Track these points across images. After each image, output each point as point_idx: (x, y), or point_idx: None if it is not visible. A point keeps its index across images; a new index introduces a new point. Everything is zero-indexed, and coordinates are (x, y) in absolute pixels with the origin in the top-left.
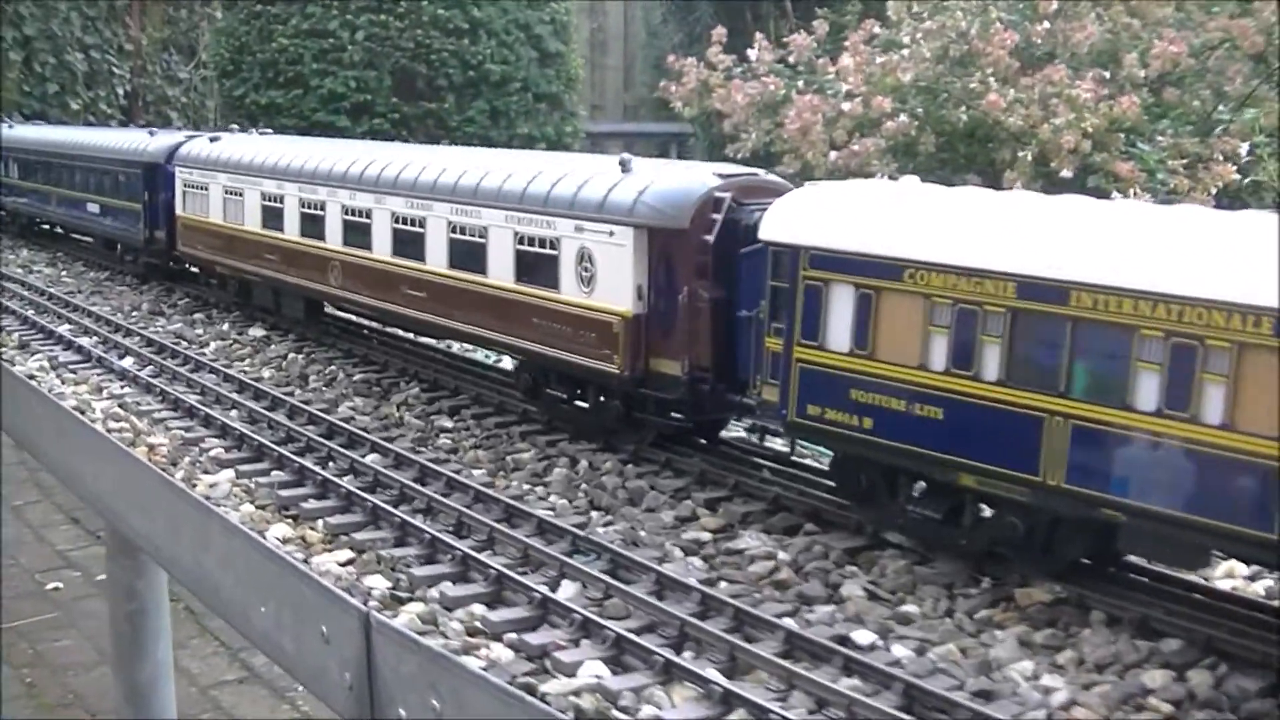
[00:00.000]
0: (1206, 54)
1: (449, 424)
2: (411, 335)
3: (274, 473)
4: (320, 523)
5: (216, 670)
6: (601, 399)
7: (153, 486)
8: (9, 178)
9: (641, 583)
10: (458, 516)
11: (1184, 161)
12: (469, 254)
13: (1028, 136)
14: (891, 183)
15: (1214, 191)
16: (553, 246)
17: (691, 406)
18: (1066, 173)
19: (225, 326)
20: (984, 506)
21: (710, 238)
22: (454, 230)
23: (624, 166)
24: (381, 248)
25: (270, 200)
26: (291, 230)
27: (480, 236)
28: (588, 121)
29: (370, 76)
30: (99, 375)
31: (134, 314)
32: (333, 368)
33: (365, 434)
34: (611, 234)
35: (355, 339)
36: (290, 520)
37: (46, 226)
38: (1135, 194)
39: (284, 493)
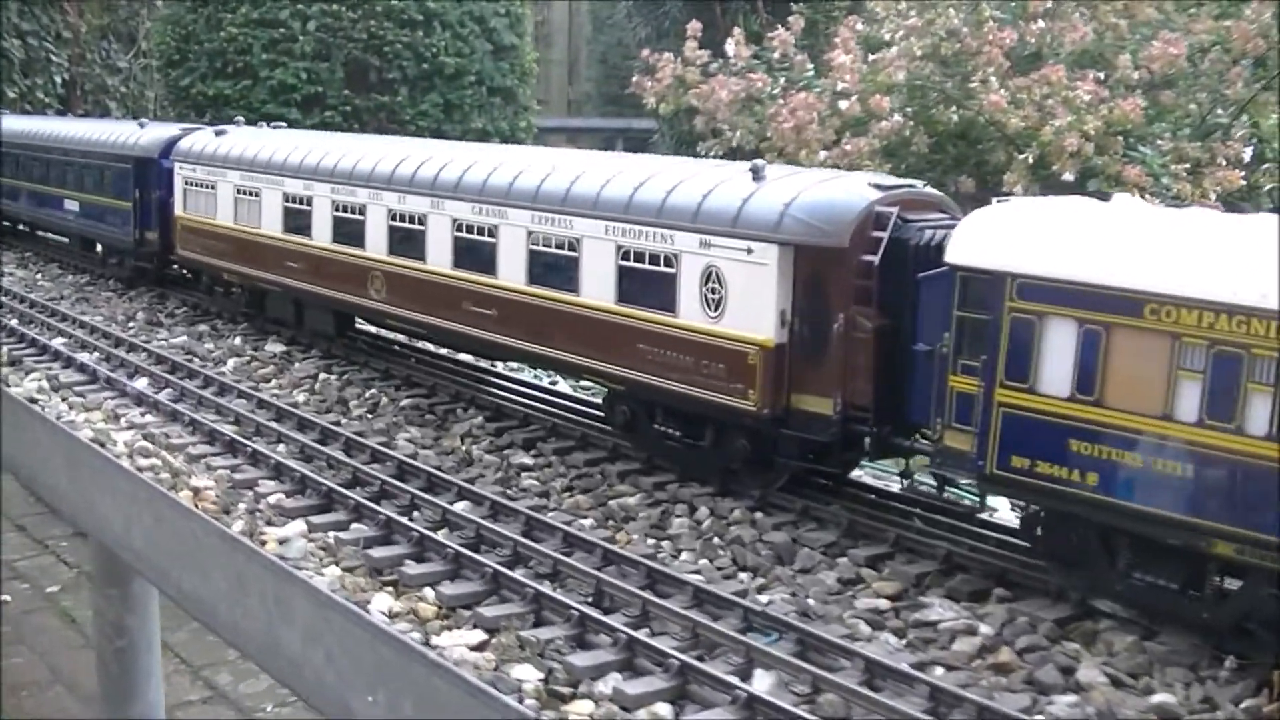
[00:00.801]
0: (1199, 56)
1: (527, 460)
2: (458, 354)
3: (354, 525)
4: (430, 592)
5: (179, 690)
6: (724, 437)
7: (209, 542)
8: None
9: (847, 670)
10: (595, 584)
11: (1185, 166)
12: (555, 269)
13: (1027, 138)
14: (1099, 200)
15: (1213, 196)
16: (668, 263)
17: (842, 449)
18: (1069, 176)
19: (237, 340)
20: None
21: (874, 259)
22: (536, 241)
23: (756, 174)
24: (439, 258)
25: (294, 202)
26: (321, 236)
27: (571, 249)
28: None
29: (322, 68)
30: (111, 399)
31: (130, 325)
32: (373, 391)
33: (441, 474)
34: (750, 251)
35: (390, 357)
36: (391, 589)
37: (9, 224)
38: (1145, 198)
39: (374, 552)
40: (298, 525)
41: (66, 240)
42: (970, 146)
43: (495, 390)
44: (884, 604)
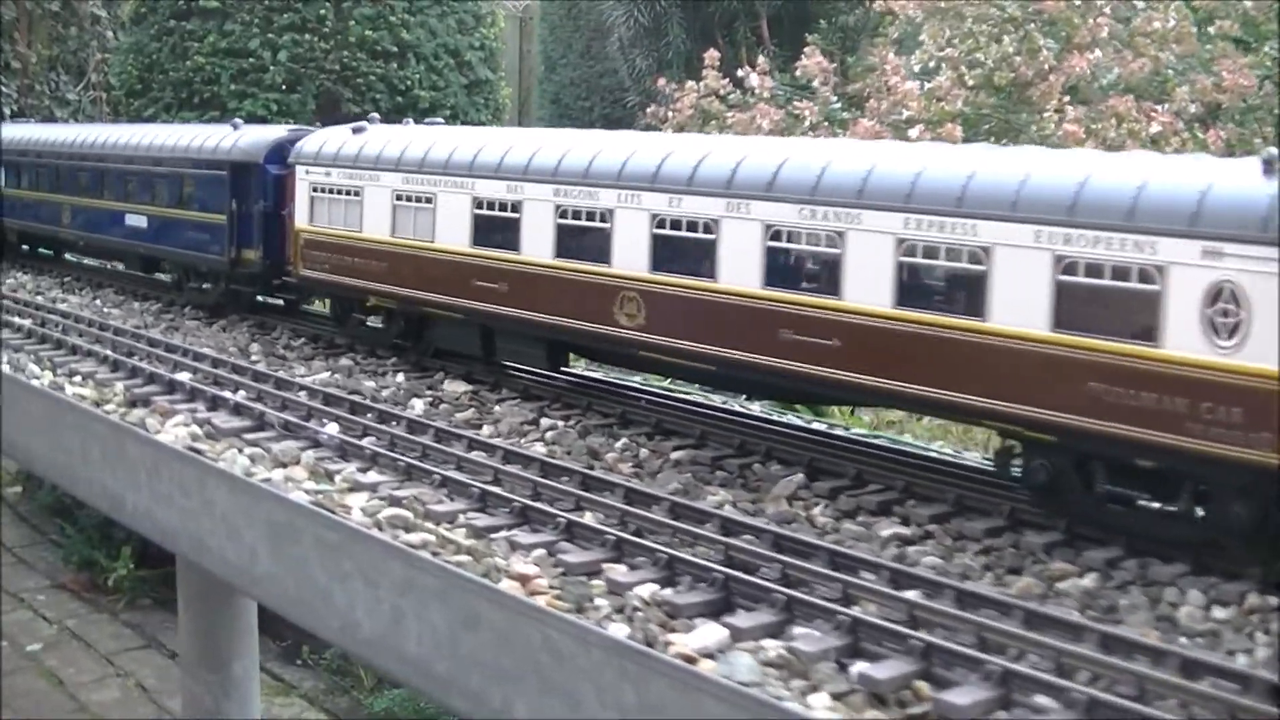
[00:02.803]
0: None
1: (903, 530)
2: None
3: (798, 631)
4: None
5: None
6: (1217, 499)
7: (618, 663)
8: None
9: None
10: None
11: None
12: (945, 287)
13: None
14: None
15: None
16: (1144, 279)
17: None
18: None
19: (400, 377)
20: None
21: None
22: (911, 252)
23: (1269, 165)
24: (740, 275)
25: (490, 209)
26: (536, 249)
27: (974, 262)
28: None
29: (293, 99)
30: (303, 449)
31: (253, 357)
32: (624, 441)
33: (847, 551)
34: None
35: (609, 397)
36: None
37: (27, 246)
38: None
39: (877, 672)
40: (714, 632)
41: (120, 264)
42: None
43: (786, 439)
44: None
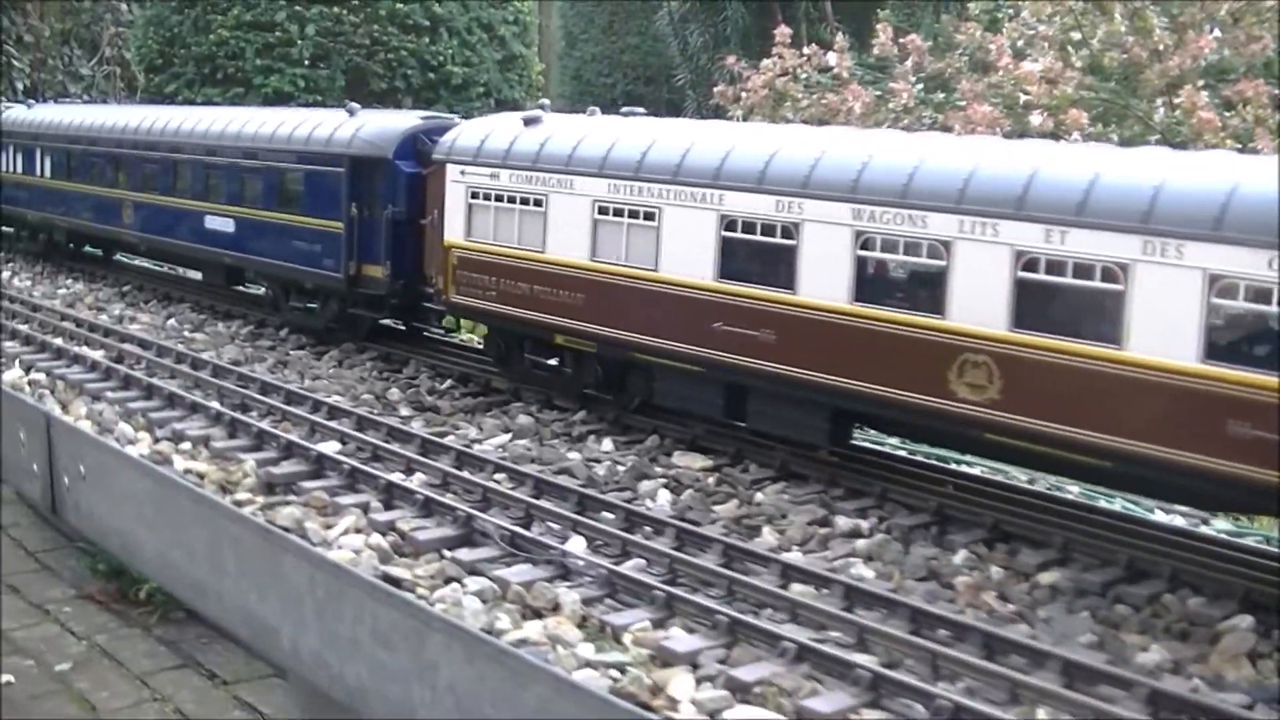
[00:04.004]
0: None
1: None
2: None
3: None
4: None
5: None
6: None
7: None
8: (34, 175)
9: None
10: None
11: None
12: None
13: None
14: None
15: None
16: None
17: None
18: None
19: (604, 444)
20: None
21: None
22: None
23: None
24: (1164, 341)
25: (747, 231)
26: (824, 287)
27: None
28: None
29: (321, 75)
30: (554, 580)
31: (402, 410)
32: (962, 554)
33: None
34: None
35: (885, 471)
36: None
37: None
38: None
39: None
40: None
41: (199, 274)
42: None
43: (1192, 554)
44: None
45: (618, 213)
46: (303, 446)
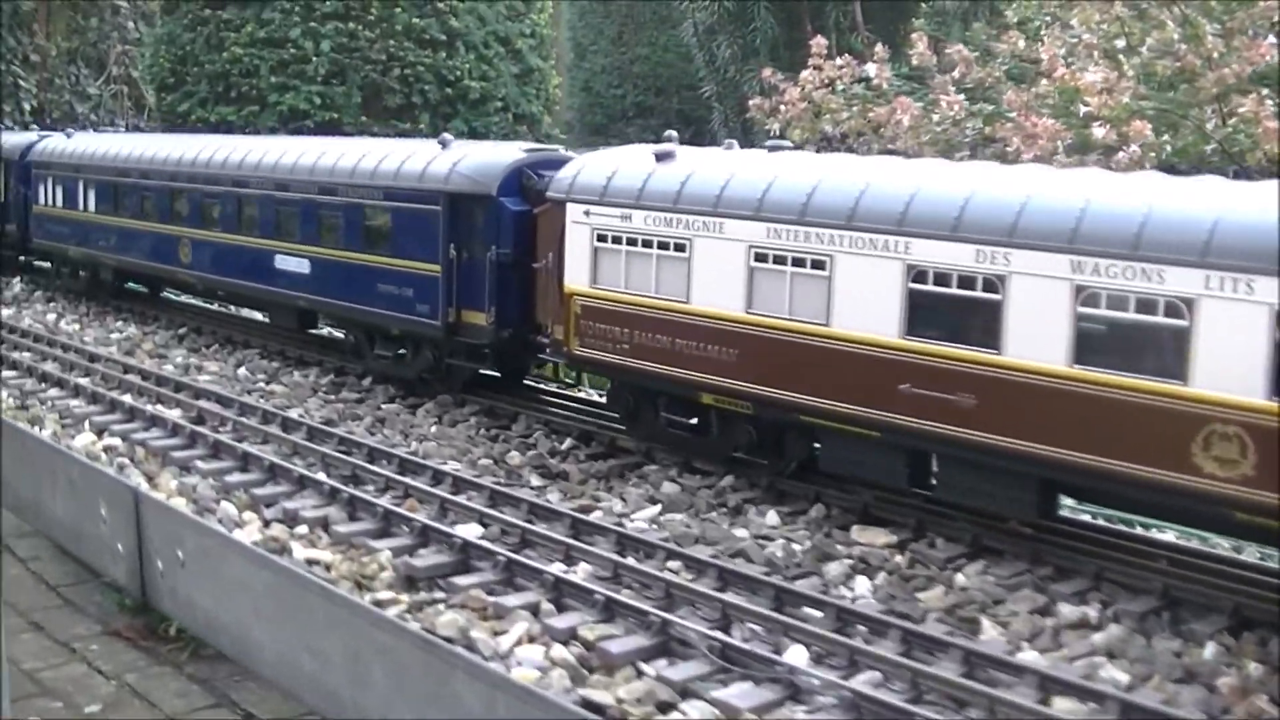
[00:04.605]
0: None
1: None
2: None
3: None
4: None
5: None
6: None
7: None
8: (76, 209)
9: None
10: None
11: None
12: None
13: None
14: None
15: None
16: None
17: None
18: None
19: (769, 517)
20: None
21: None
22: None
23: None
24: None
25: (939, 284)
26: (1037, 348)
27: None
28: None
29: (337, 92)
30: (788, 704)
31: (528, 477)
32: (1178, 646)
33: None
34: None
35: (1087, 544)
36: None
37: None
38: None
39: None
40: None
41: (263, 316)
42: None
43: None
44: None
45: (779, 260)
46: (441, 532)
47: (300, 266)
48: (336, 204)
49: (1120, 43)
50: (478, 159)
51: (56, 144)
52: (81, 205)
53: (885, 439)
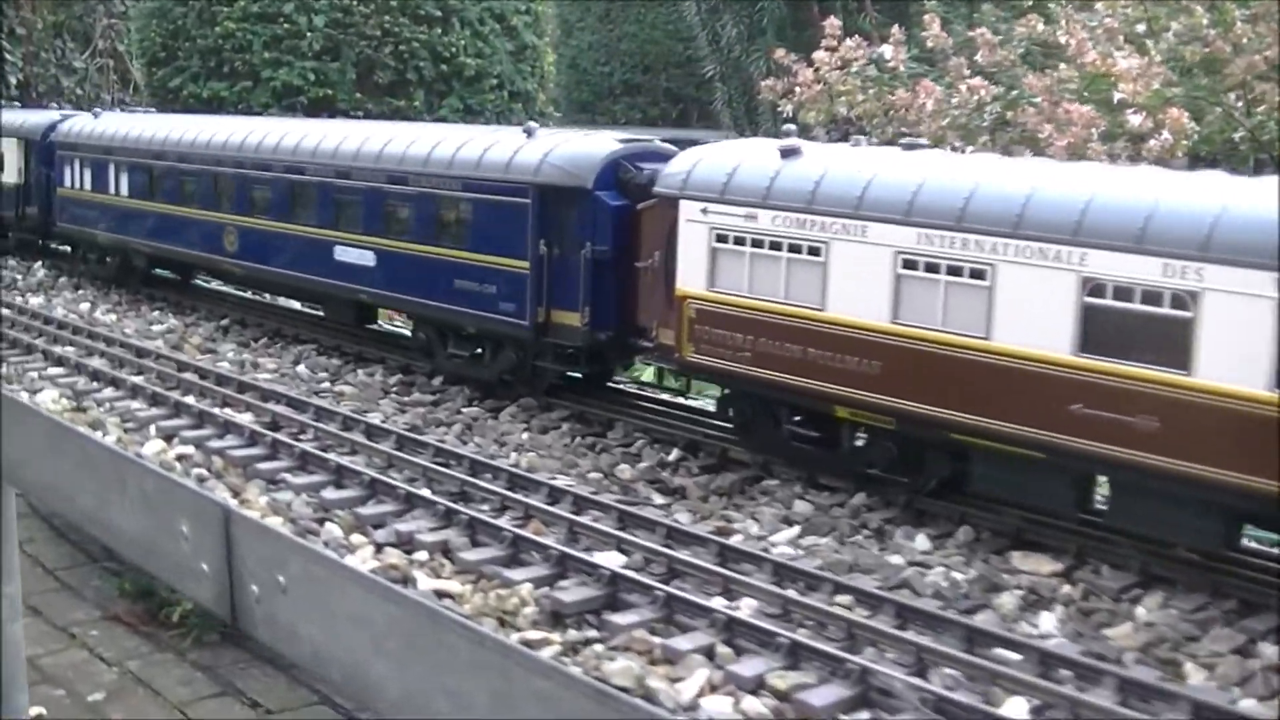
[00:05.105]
0: None
1: None
2: None
3: None
4: None
5: None
6: None
7: None
8: (106, 193)
9: None
10: None
11: None
12: None
13: None
14: None
15: None
16: None
17: None
18: None
19: (918, 540)
20: None
21: None
22: None
23: None
24: None
25: (1121, 298)
26: (1230, 370)
27: None
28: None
29: (331, 68)
30: None
31: (655, 498)
32: None
33: None
34: None
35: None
36: None
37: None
38: None
39: None
40: None
41: (321, 311)
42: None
43: None
44: None
45: (930, 268)
46: (580, 560)
47: (363, 259)
48: (407, 194)
49: (1141, 28)
50: (571, 150)
51: (84, 124)
52: (113, 189)
53: (1050, 460)
